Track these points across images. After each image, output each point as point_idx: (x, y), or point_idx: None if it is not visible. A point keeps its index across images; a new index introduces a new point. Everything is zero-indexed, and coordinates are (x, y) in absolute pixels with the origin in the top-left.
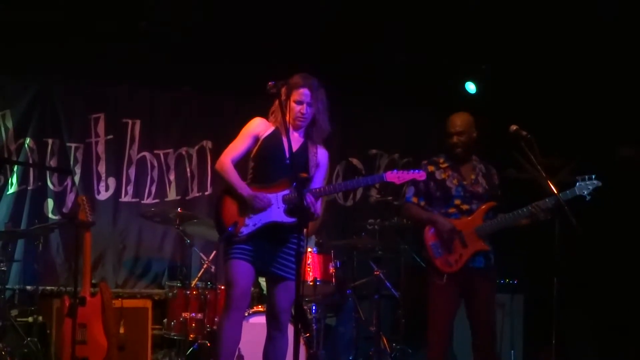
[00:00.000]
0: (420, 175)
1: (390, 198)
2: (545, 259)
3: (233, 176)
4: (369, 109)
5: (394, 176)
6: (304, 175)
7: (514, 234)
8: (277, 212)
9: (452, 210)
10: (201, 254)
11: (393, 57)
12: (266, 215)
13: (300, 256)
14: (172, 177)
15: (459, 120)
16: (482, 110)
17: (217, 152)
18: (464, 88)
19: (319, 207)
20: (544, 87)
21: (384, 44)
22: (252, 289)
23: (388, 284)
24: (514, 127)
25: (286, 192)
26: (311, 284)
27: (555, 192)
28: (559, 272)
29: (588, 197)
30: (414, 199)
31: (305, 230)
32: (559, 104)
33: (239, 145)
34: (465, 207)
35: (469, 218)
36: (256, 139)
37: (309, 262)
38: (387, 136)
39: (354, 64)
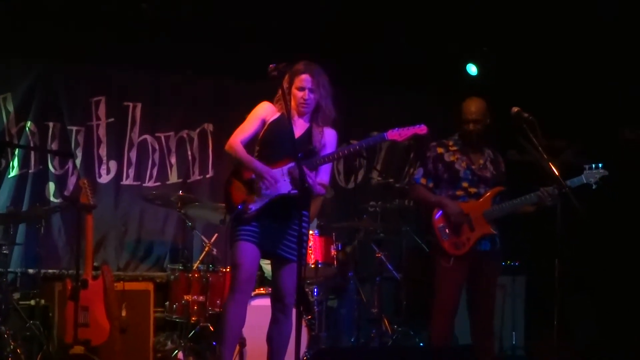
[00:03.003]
0: (421, 129)
1: (391, 180)
2: (547, 240)
3: (243, 154)
4: (370, 92)
5: (396, 134)
6: (309, 147)
7: (517, 215)
8: (284, 184)
9: (459, 192)
10: (202, 237)
11: (394, 41)
12: (274, 189)
13: (301, 237)
14: (173, 160)
15: (474, 107)
16: (483, 92)
17: (218, 135)
18: (466, 70)
19: (325, 177)
20: (546, 68)
21: (385, 32)
22: None
23: (389, 266)
24: (515, 109)
25: (292, 164)
26: (313, 266)
27: (557, 173)
28: (560, 254)
29: (594, 186)
30: (423, 180)
31: (308, 209)
32: (562, 85)
33: (248, 127)
34: (473, 190)
35: (478, 201)
36: (263, 122)
37: (310, 244)
38: (389, 119)
39: (355, 58)
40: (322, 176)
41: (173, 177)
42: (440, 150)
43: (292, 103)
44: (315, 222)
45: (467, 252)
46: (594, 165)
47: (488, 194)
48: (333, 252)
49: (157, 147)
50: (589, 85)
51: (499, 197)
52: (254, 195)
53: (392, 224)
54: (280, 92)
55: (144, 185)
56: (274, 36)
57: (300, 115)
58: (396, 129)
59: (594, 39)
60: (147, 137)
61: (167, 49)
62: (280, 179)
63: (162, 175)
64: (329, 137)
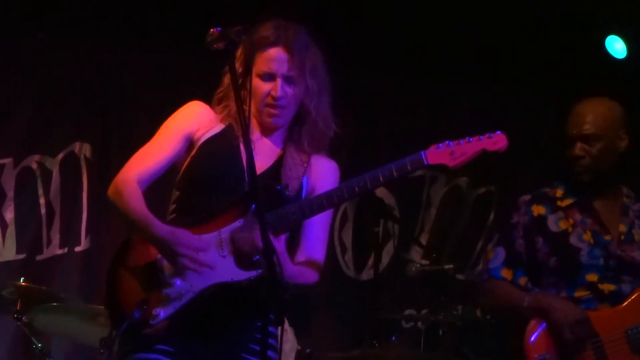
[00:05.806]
0: (495, 141)
1: (448, 267)
2: None
3: (137, 207)
4: (407, 88)
5: (444, 153)
6: (274, 188)
7: None
8: (222, 265)
9: (580, 293)
10: None
11: None
12: (203, 275)
13: None
14: (8, 214)
15: (591, 112)
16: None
17: (100, 165)
18: (605, 49)
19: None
20: None
21: None
22: None
23: None
24: None
25: (238, 223)
26: None
27: None
28: None
29: None
30: (506, 273)
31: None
32: None
33: (156, 152)
34: (607, 287)
35: (617, 309)
36: (189, 142)
37: None
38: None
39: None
40: (311, 247)
41: (8, 251)
42: (539, 210)
43: (252, 105)
44: (293, 348)
45: None
46: None
47: (636, 294)
48: None
49: None
50: None
51: None
52: (162, 290)
53: (448, 354)
54: (226, 81)
55: None
56: None
57: (267, 130)
58: (445, 142)
59: None
60: None
61: None
62: (213, 252)
63: None
64: (323, 175)
